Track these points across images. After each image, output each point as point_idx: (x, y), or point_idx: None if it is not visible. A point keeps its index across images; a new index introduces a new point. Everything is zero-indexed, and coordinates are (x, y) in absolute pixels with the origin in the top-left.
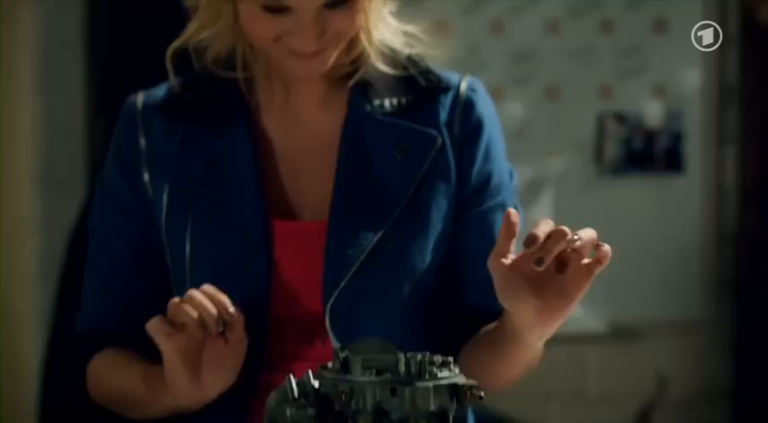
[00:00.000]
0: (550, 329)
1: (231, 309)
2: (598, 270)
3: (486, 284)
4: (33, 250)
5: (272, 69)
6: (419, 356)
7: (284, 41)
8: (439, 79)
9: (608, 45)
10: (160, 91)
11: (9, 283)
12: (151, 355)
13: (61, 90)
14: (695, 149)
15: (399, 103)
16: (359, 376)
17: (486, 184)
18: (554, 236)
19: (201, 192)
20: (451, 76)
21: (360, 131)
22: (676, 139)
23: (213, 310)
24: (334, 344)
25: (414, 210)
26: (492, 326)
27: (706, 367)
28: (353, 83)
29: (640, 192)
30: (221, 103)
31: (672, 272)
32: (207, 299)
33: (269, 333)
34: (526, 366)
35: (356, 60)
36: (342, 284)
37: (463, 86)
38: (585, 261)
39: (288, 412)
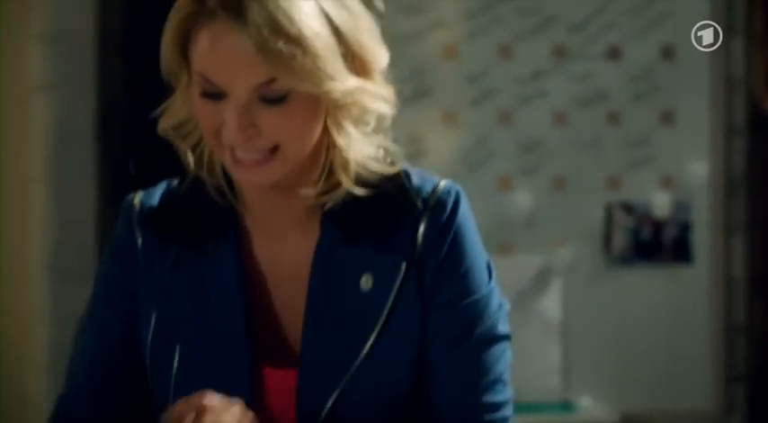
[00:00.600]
0: None
1: None
2: None
3: (459, 382)
4: (43, 340)
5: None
6: None
7: (222, 139)
8: (411, 198)
9: (615, 136)
10: (156, 195)
11: (19, 372)
12: None
13: (72, 181)
14: (703, 239)
15: (369, 227)
16: None
17: (454, 286)
18: None
19: (189, 318)
20: (425, 188)
21: (327, 262)
22: (684, 229)
23: None
24: None
25: (387, 341)
26: None
27: None
28: (326, 209)
29: (649, 282)
30: (212, 218)
31: (682, 362)
32: None
33: None
34: None
35: (329, 180)
36: None
37: (433, 200)
38: None
39: None
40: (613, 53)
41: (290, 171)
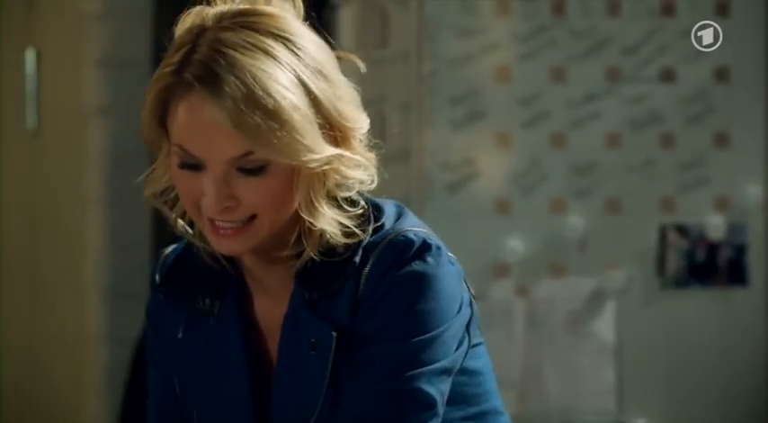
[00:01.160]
0: None
1: None
2: None
3: None
4: (99, 362)
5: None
6: None
7: (201, 209)
8: (357, 260)
9: (669, 158)
10: (175, 254)
11: (75, 394)
12: None
13: (128, 203)
14: (758, 262)
15: (325, 290)
16: None
17: (380, 324)
18: None
19: (204, 384)
20: (375, 241)
21: (294, 324)
22: (739, 251)
23: None
24: None
25: (336, 401)
26: None
27: None
28: (297, 270)
29: (703, 304)
30: (214, 279)
31: (736, 386)
32: None
33: None
34: None
35: (299, 245)
36: None
37: (377, 251)
38: None
39: None
40: (667, 75)
41: (267, 237)
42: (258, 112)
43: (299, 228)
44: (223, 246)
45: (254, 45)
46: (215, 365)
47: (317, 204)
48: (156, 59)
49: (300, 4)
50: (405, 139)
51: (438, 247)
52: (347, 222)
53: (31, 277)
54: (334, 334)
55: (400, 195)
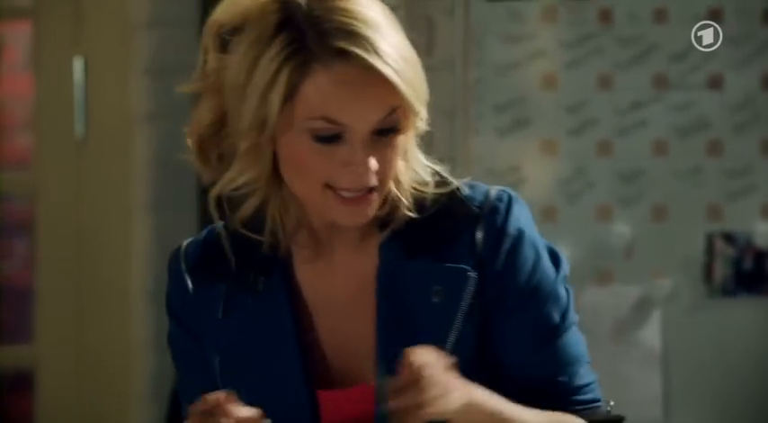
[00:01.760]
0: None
1: None
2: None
3: (548, 377)
4: (146, 368)
5: (303, 221)
6: None
7: (336, 183)
8: (466, 207)
9: (716, 166)
10: (200, 242)
11: (122, 400)
12: None
13: (174, 209)
14: None
15: (429, 241)
16: None
17: (521, 289)
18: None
19: (249, 363)
20: (477, 197)
21: (394, 280)
22: None
23: None
24: None
25: (460, 351)
26: None
27: None
28: (384, 230)
29: (751, 313)
30: (256, 259)
31: None
32: None
33: None
34: None
35: (384, 204)
36: None
37: (486, 207)
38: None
39: None
40: (714, 82)
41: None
42: (407, 65)
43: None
44: (353, 216)
45: (368, 7)
46: (263, 343)
47: (418, 161)
48: None
49: None
50: (450, 147)
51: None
52: (428, 174)
53: (77, 284)
54: (474, 274)
55: None
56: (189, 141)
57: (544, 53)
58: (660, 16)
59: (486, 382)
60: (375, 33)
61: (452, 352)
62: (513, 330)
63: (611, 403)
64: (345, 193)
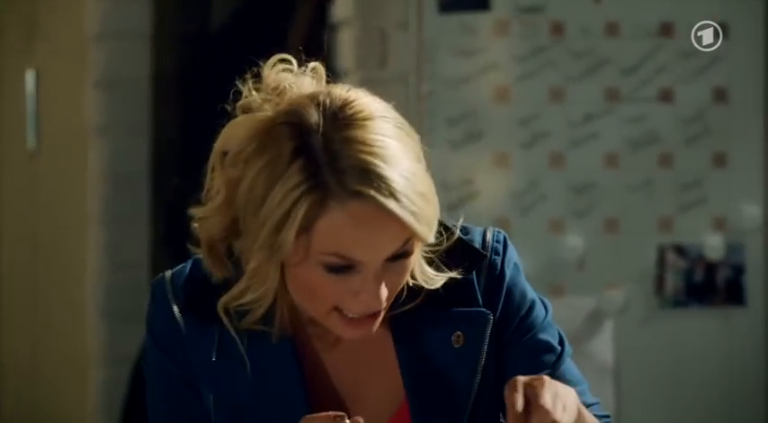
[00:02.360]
0: None
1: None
2: None
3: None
4: (97, 381)
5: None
6: None
7: (344, 307)
8: (472, 254)
9: (667, 178)
10: (187, 274)
11: (75, 414)
12: None
13: (126, 223)
14: (757, 282)
15: (441, 288)
16: None
17: (521, 322)
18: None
19: (248, 403)
20: (476, 240)
21: (409, 323)
22: (738, 271)
23: None
24: None
25: (481, 394)
26: None
27: None
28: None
29: (702, 324)
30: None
31: (735, 406)
32: None
33: None
34: None
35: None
36: None
37: (488, 250)
38: None
39: None
40: (665, 96)
41: None
42: (422, 200)
43: None
44: (355, 333)
45: (385, 135)
46: (265, 386)
47: (425, 267)
48: (157, 78)
49: (322, 73)
50: None
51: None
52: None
53: (31, 295)
54: (492, 317)
55: None
56: (198, 233)
57: (496, 66)
58: (612, 30)
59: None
60: (390, 169)
61: (478, 395)
62: (517, 361)
63: None
64: (352, 315)
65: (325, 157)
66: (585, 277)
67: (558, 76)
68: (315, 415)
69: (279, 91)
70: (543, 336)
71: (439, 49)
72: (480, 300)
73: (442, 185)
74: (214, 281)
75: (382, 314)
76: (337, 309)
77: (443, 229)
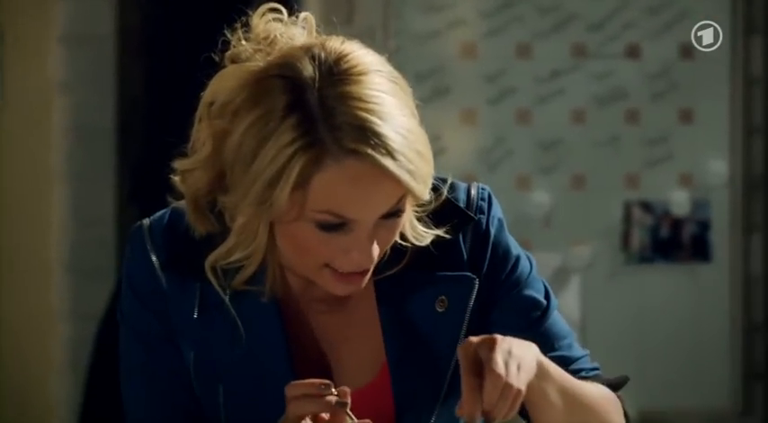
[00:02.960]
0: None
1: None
2: None
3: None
4: (63, 338)
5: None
6: None
7: (335, 264)
8: (458, 214)
9: (634, 134)
10: (166, 224)
11: (40, 371)
12: None
13: (92, 179)
14: (722, 238)
15: (426, 250)
16: None
17: (506, 278)
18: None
19: (229, 361)
20: (461, 198)
21: (392, 286)
22: (703, 227)
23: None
24: None
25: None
26: None
27: None
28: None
29: (667, 280)
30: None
31: (700, 360)
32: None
33: None
34: None
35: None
36: None
37: (474, 208)
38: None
39: None
40: (632, 52)
41: None
42: (418, 157)
43: None
44: (346, 288)
45: (380, 91)
46: (244, 340)
47: (415, 223)
48: (122, 34)
49: (313, 23)
50: None
51: None
52: (428, 221)
53: None
54: (477, 281)
55: None
56: (180, 187)
57: (463, 22)
58: None
59: None
60: (387, 126)
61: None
62: (503, 317)
63: None
64: (343, 270)
65: (321, 114)
66: (552, 233)
67: (525, 32)
68: (300, 381)
69: (269, 41)
70: (529, 291)
71: (406, 5)
72: (466, 261)
73: None
74: (197, 235)
75: (371, 271)
76: (328, 265)
77: (433, 187)
